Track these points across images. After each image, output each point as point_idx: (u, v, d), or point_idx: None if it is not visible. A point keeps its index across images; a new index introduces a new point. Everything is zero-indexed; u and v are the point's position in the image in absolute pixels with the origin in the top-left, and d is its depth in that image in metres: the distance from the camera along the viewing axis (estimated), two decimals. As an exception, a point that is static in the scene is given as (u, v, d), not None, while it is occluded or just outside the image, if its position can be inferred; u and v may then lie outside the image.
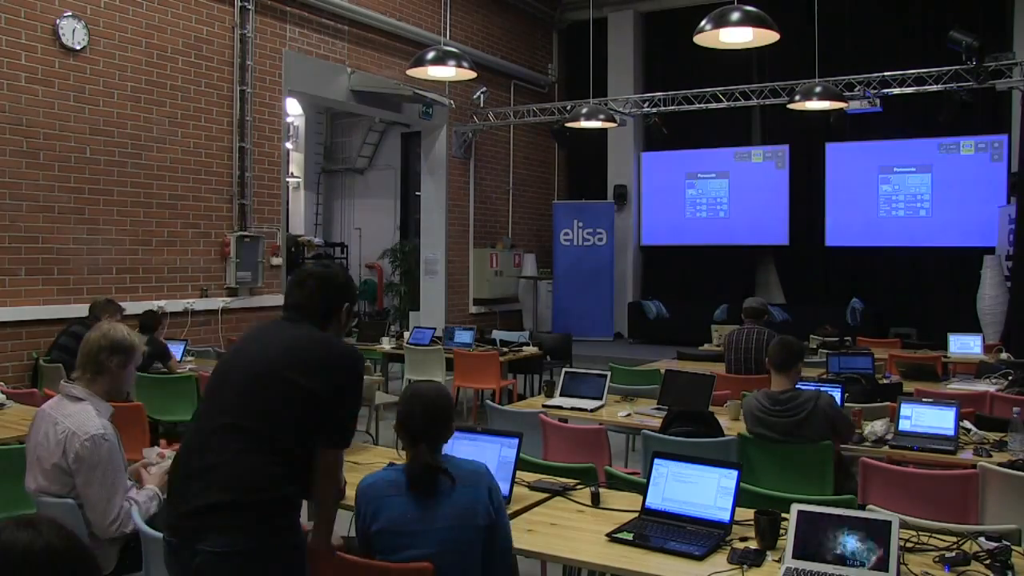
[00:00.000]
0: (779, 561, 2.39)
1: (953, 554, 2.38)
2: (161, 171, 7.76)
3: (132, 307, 7.40)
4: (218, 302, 8.25)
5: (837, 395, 4.38)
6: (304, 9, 9.26)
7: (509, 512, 2.81)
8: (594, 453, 4.21)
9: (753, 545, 2.50)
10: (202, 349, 7.42)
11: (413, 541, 2.32)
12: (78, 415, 2.87)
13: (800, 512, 2.40)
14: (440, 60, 6.77)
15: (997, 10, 11.12)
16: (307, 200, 15.08)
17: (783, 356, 3.93)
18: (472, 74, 6.99)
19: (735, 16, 5.37)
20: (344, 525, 2.64)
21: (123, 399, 3.06)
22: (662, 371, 5.55)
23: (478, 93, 11.76)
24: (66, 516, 2.86)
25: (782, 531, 2.48)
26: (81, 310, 6.90)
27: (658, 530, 2.61)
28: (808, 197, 12.46)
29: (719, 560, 2.42)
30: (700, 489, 2.70)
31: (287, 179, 10.50)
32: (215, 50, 8.25)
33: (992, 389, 5.38)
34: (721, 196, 13.08)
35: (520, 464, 3.44)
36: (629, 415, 4.75)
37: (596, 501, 2.90)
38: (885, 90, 9.44)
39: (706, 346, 8.49)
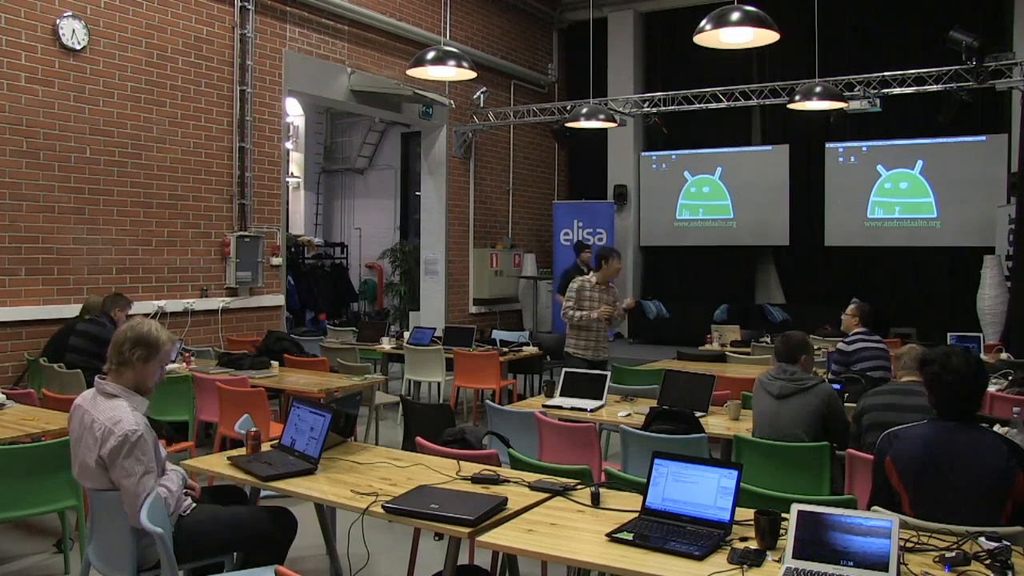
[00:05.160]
0: (779, 561, 2.39)
1: (953, 554, 2.38)
2: (161, 171, 7.76)
3: (133, 307, 7.41)
4: (218, 302, 8.25)
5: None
6: (304, 9, 9.26)
7: (509, 512, 2.81)
8: (586, 451, 4.22)
9: (753, 545, 2.50)
10: (202, 349, 7.42)
11: None
12: (114, 411, 2.94)
13: (800, 512, 2.40)
14: (440, 60, 6.76)
15: (997, 10, 11.11)
16: (307, 200, 15.08)
17: (783, 349, 4.26)
18: (472, 74, 6.99)
19: (735, 16, 5.37)
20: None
21: (148, 394, 3.10)
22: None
23: (478, 93, 11.76)
24: (113, 507, 2.92)
25: (782, 531, 2.48)
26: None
27: (658, 530, 2.61)
28: (808, 197, 12.46)
29: (719, 560, 2.42)
30: (700, 489, 2.70)
31: (287, 179, 10.50)
32: (215, 50, 8.25)
33: (992, 389, 5.37)
34: (721, 196, 13.09)
35: (518, 464, 3.45)
36: (629, 415, 4.75)
37: (596, 501, 2.90)
38: (885, 90, 9.43)
39: (706, 346, 8.49)
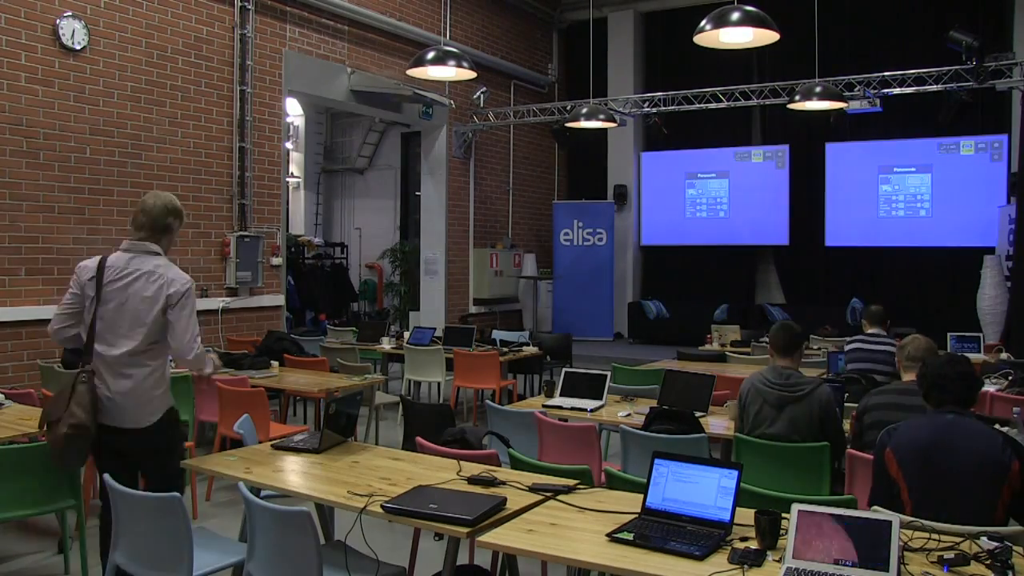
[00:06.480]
0: (779, 561, 2.38)
1: (953, 554, 2.38)
2: (161, 171, 7.75)
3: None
4: (218, 302, 8.25)
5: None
6: (304, 9, 9.26)
7: (509, 512, 2.80)
8: (586, 451, 4.22)
9: (753, 545, 2.50)
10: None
11: None
12: (169, 268, 3.42)
13: (800, 512, 2.40)
14: (440, 60, 6.76)
15: (997, 10, 11.12)
16: (307, 200, 15.08)
17: (785, 340, 4.19)
18: (472, 74, 6.99)
19: (735, 16, 5.37)
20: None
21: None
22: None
23: (478, 93, 11.76)
24: (145, 509, 3.04)
25: (782, 531, 2.48)
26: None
27: (658, 530, 2.61)
28: (808, 197, 12.47)
29: (719, 560, 2.41)
30: (700, 489, 2.70)
31: (287, 179, 10.51)
32: (215, 50, 8.25)
33: (992, 389, 5.37)
34: (721, 196, 13.09)
35: (518, 464, 3.45)
36: (629, 415, 4.75)
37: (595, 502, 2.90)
38: (885, 90, 9.43)
39: (706, 346, 8.48)
